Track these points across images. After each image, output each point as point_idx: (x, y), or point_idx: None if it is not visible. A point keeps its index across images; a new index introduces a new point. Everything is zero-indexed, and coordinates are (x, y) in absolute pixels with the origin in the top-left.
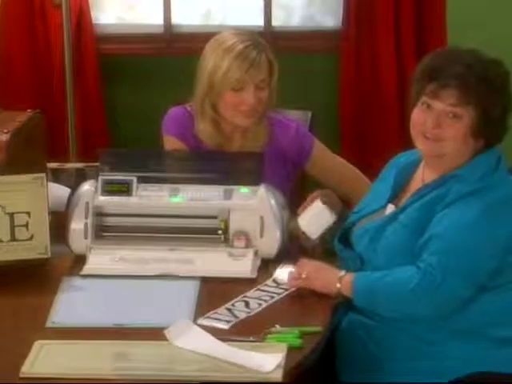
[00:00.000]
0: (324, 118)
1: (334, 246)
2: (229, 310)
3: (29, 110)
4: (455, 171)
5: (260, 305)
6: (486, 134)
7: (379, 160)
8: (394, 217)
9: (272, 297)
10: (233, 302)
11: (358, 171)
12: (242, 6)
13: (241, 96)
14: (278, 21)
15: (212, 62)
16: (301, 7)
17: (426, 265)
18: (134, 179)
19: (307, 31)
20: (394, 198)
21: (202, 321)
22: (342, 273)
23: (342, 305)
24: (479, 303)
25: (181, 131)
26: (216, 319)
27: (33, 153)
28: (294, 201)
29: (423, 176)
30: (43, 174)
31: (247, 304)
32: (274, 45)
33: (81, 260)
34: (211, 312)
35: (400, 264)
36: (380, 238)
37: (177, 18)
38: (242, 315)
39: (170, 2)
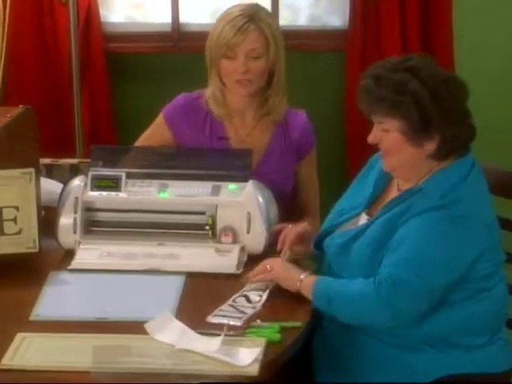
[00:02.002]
0: (331, 116)
1: None
2: (232, 306)
3: (20, 106)
4: (419, 185)
5: (260, 296)
6: (422, 141)
7: None
8: (361, 231)
9: (266, 285)
10: (233, 298)
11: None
12: None
13: (233, 64)
14: (284, 20)
15: (212, 30)
16: (307, 7)
17: (379, 278)
18: (123, 175)
19: (314, 30)
20: (372, 203)
21: (212, 318)
22: (303, 275)
23: None
24: (446, 316)
25: (173, 120)
26: (225, 316)
27: (24, 148)
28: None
29: (399, 184)
30: (32, 169)
31: (248, 298)
32: None
33: (70, 255)
34: (216, 310)
35: None
36: (346, 254)
37: (185, 17)
38: (249, 311)
39: (177, 0)
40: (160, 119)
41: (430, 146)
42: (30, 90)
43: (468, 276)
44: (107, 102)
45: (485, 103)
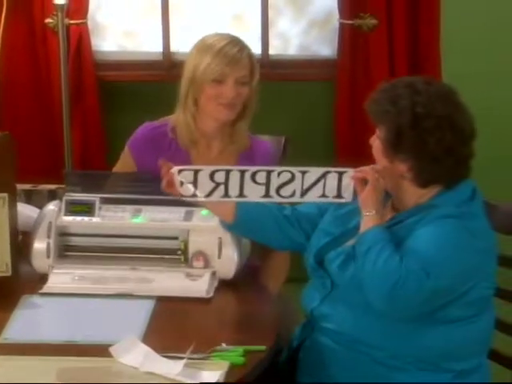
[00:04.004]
0: (320, 145)
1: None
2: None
3: None
4: (431, 201)
5: None
6: (393, 158)
7: None
8: None
9: None
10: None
11: None
12: (240, 35)
13: (221, 88)
14: (275, 49)
15: (195, 58)
16: (297, 36)
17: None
18: (97, 200)
19: (304, 60)
20: None
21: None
22: (372, 212)
23: (309, 323)
24: (436, 337)
25: (137, 151)
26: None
27: (0, 173)
28: None
29: (393, 202)
30: (5, 194)
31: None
32: (271, 73)
33: (44, 279)
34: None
35: None
36: (350, 264)
37: (176, 46)
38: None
39: (169, 29)
40: (126, 150)
41: (401, 167)
42: (23, 117)
43: (471, 293)
44: (98, 130)
45: None
